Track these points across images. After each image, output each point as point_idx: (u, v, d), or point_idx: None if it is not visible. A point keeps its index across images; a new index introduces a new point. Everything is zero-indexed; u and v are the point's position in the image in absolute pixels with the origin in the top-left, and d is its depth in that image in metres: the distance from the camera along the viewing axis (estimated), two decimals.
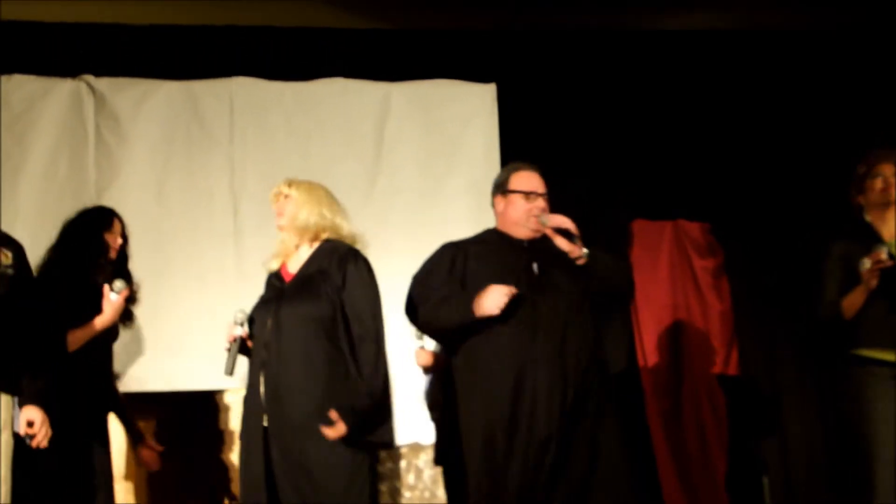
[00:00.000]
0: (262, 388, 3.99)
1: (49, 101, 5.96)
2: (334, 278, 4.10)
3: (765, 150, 6.43)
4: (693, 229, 6.38)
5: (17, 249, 3.96)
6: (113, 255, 4.71)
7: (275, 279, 4.27)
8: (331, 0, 5.96)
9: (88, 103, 6.00)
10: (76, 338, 4.41)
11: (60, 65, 6.03)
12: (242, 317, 4.27)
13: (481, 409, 4.06)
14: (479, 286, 4.08)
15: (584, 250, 4.06)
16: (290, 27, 6.21)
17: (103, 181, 5.96)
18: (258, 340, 4.09)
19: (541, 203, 4.28)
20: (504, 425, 3.99)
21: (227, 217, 5.93)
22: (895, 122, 6.18)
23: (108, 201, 5.88)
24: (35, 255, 4.28)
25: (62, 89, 5.99)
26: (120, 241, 4.75)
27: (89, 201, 5.88)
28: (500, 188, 4.38)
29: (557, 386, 3.98)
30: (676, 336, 6.21)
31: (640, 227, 6.34)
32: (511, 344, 4.03)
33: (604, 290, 4.16)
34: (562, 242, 4.09)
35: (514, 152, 6.23)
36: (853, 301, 4.49)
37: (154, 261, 5.75)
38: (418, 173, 6.12)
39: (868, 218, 4.69)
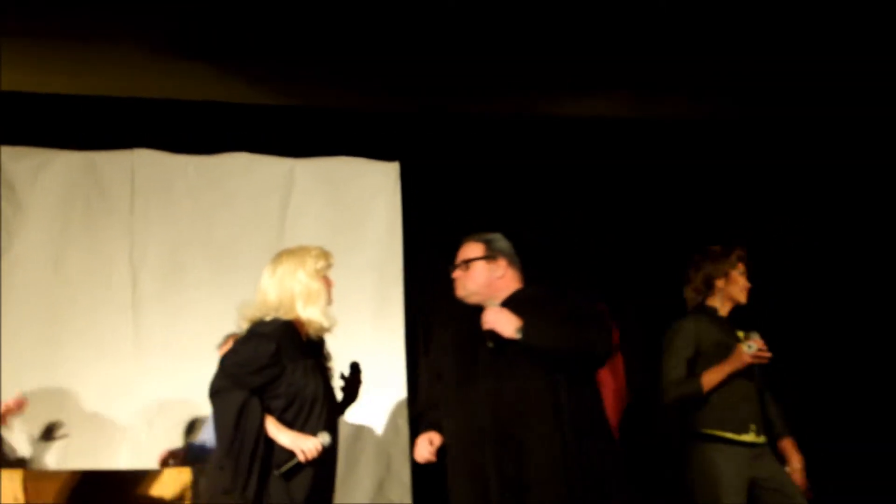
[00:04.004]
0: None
1: None
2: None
3: (657, 230, 6.60)
4: None
5: None
6: None
7: (304, 346, 4.19)
8: (236, 75, 5.97)
9: None
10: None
11: None
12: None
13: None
14: (441, 362, 4.28)
15: (517, 335, 4.05)
16: (194, 100, 6.20)
17: None
18: (327, 416, 4.10)
19: (455, 273, 4.32)
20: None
21: (125, 289, 5.86)
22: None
23: (1, 272, 5.79)
24: None
25: None
26: None
27: None
28: None
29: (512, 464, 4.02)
30: None
31: None
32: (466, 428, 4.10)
33: (555, 360, 4.10)
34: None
35: (416, 230, 6.32)
36: (714, 378, 4.73)
37: (49, 332, 5.68)
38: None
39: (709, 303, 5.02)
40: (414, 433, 6.09)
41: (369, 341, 6.09)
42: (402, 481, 5.97)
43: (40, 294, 5.71)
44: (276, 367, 4.02)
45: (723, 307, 5.02)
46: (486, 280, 4.29)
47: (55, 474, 5.18)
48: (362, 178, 6.29)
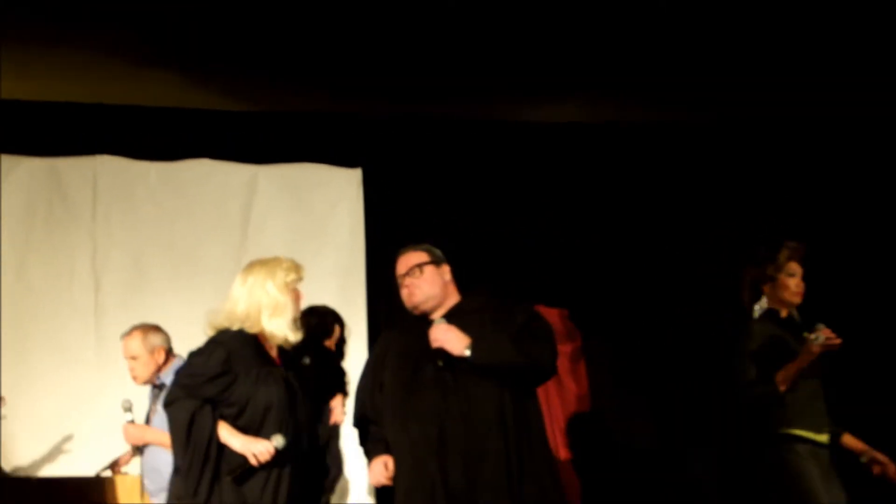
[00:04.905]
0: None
1: None
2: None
3: (620, 235, 6.66)
4: (552, 315, 6.48)
5: None
6: None
7: (266, 354, 4.18)
8: (198, 81, 5.98)
9: None
10: None
11: None
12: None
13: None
14: (383, 373, 4.21)
15: (466, 353, 4.04)
16: (156, 107, 6.21)
17: None
18: (288, 423, 4.10)
19: (406, 281, 4.26)
20: None
21: (88, 294, 5.86)
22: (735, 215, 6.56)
23: None
24: None
25: None
26: None
27: None
28: None
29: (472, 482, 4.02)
30: None
31: None
32: (418, 447, 4.09)
33: (503, 376, 4.10)
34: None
35: (379, 236, 6.34)
36: (787, 376, 4.69)
37: (13, 337, 5.69)
38: (283, 255, 6.13)
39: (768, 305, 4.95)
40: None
41: None
42: (363, 486, 5.99)
43: (2, 299, 5.70)
44: (228, 375, 4.04)
45: (781, 309, 4.87)
46: (441, 283, 4.28)
47: (13, 481, 5.17)
48: (325, 184, 6.32)
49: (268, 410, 4.06)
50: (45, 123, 6.09)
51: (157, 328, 5.10)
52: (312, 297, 5.97)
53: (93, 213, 6.02)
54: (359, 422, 4.33)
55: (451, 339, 4.07)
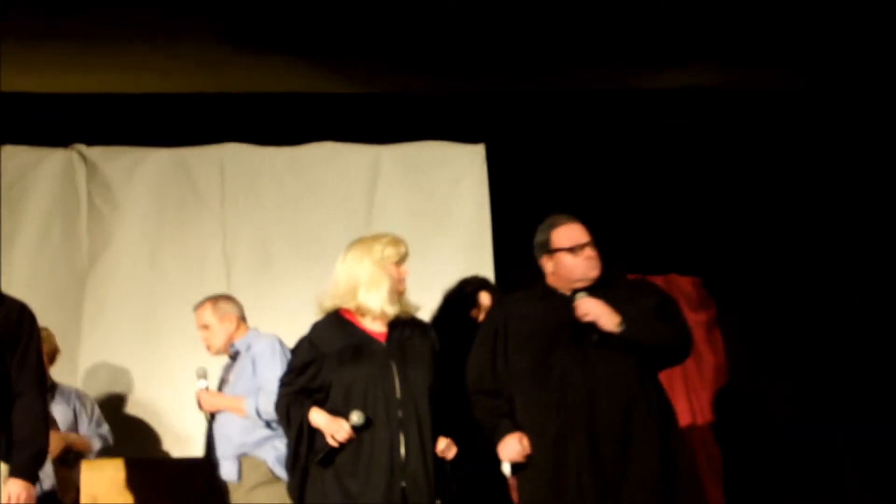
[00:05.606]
0: (402, 449, 4.07)
1: (41, 170, 6.01)
2: (430, 344, 4.27)
3: (753, 202, 6.48)
4: (685, 283, 6.41)
5: (21, 310, 3.84)
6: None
7: (357, 331, 4.22)
8: (318, 65, 6.02)
9: (80, 172, 6.05)
10: None
11: (52, 134, 6.08)
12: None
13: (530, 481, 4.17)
14: (510, 347, 4.18)
15: (615, 328, 4.04)
16: (279, 92, 6.27)
17: (96, 248, 6.01)
18: (375, 397, 4.10)
19: (587, 252, 4.21)
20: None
21: (219, 281, 5.94)
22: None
23: (100, 268, 5.95)
24: None
25: (54, 158, 6.04)
26: None
27: (82, 269, 5.95)
28: (545, 248, 4.27)
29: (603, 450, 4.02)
30: (670, 389, 6.20)
31: None
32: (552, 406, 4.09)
33: (646, 354, 4.10)
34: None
35: (504, 212, 6.29)
36: None
37: (147, 325, 5.83)
38: (409, 235, 6.01)
39: None
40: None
41: None
42: None
43: (136, 289, 5.84)
44: (315, 363, 4.16)
45: None
46: None
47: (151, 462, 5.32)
48: (447, 161, 6.28)
49: (350, 388, 4.09)
50: (171, 114, 6.21)
51: (227, 297, 5.20)
52: (440, 275, 6.02)
53: (221, 201, 6.12)
54: (475, 393, 4.28)
55: (604, 314, 4.04)
